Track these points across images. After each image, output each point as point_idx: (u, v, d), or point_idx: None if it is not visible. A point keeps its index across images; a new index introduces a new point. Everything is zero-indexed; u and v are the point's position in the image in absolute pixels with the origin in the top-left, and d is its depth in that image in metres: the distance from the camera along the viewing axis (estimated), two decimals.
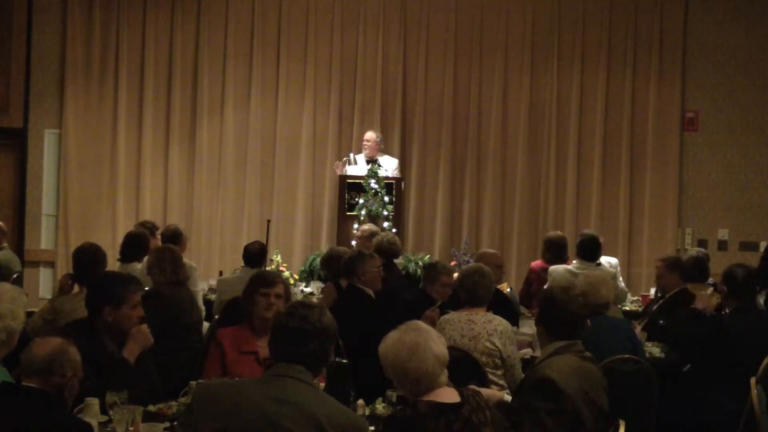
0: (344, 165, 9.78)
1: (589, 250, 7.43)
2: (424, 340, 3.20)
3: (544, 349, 4.01)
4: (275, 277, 4.88)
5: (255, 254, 7.51)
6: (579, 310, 4.04)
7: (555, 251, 7.78)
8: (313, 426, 3.01)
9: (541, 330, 4.10)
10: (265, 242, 8.45)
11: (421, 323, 3.34)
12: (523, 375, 5.06)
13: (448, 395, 3.17)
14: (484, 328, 5.10)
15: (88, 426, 3.31)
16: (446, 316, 5.32)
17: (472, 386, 3.37)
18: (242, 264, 7.73)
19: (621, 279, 8.29)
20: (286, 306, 3.43)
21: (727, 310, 5.76)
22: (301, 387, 3.10)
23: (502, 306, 6.03)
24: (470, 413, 3.06)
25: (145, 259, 6.55)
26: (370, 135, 9.95)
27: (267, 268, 8.27)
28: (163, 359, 4.92)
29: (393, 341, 3.22)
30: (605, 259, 8.32)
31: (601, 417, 3.77)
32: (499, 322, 5.13)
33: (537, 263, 8.06)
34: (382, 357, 3.22)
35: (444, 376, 3.21)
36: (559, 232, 8.48)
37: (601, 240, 7.80)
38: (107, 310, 4.32)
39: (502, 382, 5.06)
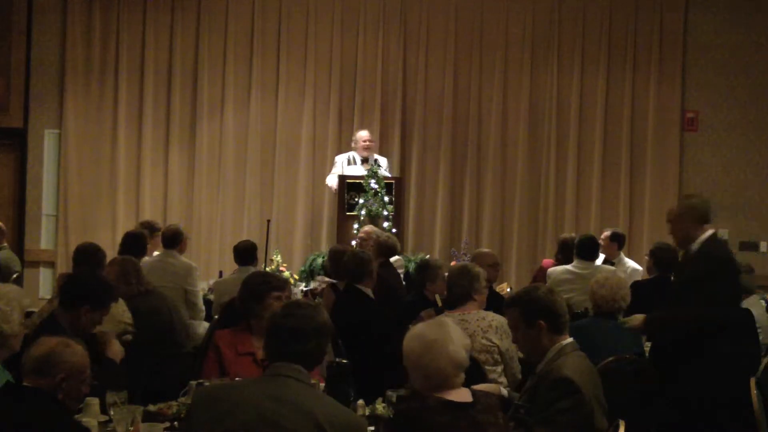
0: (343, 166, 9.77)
1: (588, 250, 7.45)
2: (443, 338, 3.21)
3: (550, 350, 3.92)
4: (284, 280, 4.90)
5: (245, 252, 7.49)
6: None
7: (567, 252, 7.81)
8: (313, 425, 3.00)
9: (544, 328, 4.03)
10: (265, 242, 8.43)
11: (449, 321, 3.36)
12: (520, 367, 5.06)
13: (461, 395, 3.17)
14: (479, 326, 5.08)
15: (84, 428, 3.29)
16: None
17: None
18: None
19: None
20: (281, 306, 3.45)
21: None
22: (300, 386, 3.10)
23: (498, 306, 6.02)
24: (478, 413, 3.06)
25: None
26: (367, 134, 9.88)
27: (267, 269, 8.28)
28: (162, 361, 4.93)
29: (415, 334, 3.25)
30: (631, 264, 8.34)
31: (605, 416, 3.77)
32: (493, 318, 5.11)
33: (547, 262, 8.06)
34: (403, 348, 3.25)
35: (460, 379, 3.21)
36: (572, 234, 8.48)
37: (599, 238, 7.86)
38: (85, 310, 4.31)
39: (502, 379, 5.04)
